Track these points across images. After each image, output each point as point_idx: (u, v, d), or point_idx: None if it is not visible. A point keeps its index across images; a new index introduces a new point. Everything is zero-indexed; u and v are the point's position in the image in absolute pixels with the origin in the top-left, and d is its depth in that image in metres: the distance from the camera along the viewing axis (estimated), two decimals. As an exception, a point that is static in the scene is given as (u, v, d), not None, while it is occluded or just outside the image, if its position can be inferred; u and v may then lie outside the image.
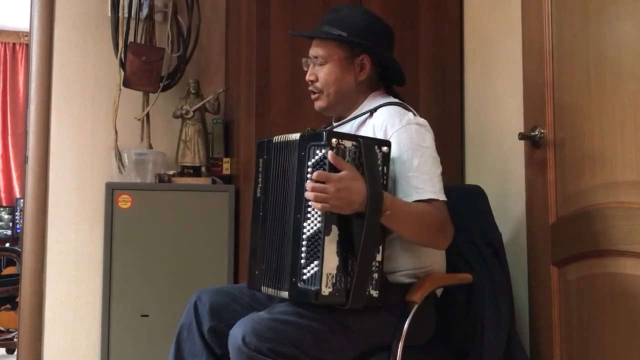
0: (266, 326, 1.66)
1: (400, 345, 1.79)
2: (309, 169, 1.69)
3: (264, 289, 1.85)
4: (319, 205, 1.64)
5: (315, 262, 1.66)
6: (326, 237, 1.66)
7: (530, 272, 2.21)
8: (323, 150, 1.67)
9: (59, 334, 2.97)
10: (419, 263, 1.90)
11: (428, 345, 1.95)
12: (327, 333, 1.70)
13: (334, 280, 1.66)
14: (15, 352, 3.17)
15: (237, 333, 1.65)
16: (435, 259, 1.94)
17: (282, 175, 1.82)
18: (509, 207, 2.37)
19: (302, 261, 1.68)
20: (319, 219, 1.67)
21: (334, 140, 1.67)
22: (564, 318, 2.05)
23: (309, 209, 1.69)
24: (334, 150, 1.67)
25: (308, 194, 1.66)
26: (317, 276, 1.65)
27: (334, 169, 1.66)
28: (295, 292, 1.70)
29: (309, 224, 1.69)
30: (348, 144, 1.69)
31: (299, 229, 1.70)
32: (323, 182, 1.64)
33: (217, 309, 1.91)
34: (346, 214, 1.68)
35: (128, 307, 2.77)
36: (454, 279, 2.00)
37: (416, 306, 1.82)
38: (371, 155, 1.71)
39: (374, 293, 1.70)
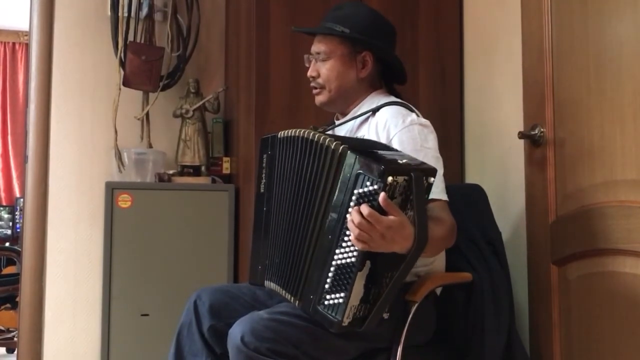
0: (265, 326, 1.65)
1: (401, 344, 1.79)
2: (354, 197, 1.57)
3: (267, 283, 1.85)
4: (359, 245, 1.54)
5: (342, 294, 1.59)
6: (358, 273, 1.57)
7: (530, 271, 2.21)
8: (375, 186, 1.53)
9: (59, 333, 2.97)
10: (420, 261, 1.89)
11: (428, 344, 1.95)
12: (327, 333, 1.70)
13: (355, 311, 1.61)
14: (15, 352, 3.17)
15: (236, 332, 1.65)
16: (435, 257, 1.94)
17: (290, 172, 1.80)
18: (508, 206, 2.37)
19: (327, 286, 1.62)
20: (354, 253, 1.58)
21: (390, 179, 1.51)
22: (564, 317, 2.05)
23: (346, 239, 1.59)
24: (387, 189, 1.52)
25: (351, 226, 1.54)
26: (341, 308, 1.59)
27: (382, 210, 1.52)
28: (311, 310, 1.65)
29: (342, 253, 1.60)
30: (400, 179, 1.53)
31: (328, 251, 1.62)
32: (370, 222, 1.52)
33: (217, 308, 1.91)
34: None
35: (128, 306, 2.77)
36: (454, 278, 2.00)
37: (416, 305, 1.82)
38: (421, 192, 1.57)
39: (386, 316, 1.68)
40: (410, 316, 1.81)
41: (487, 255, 2.08)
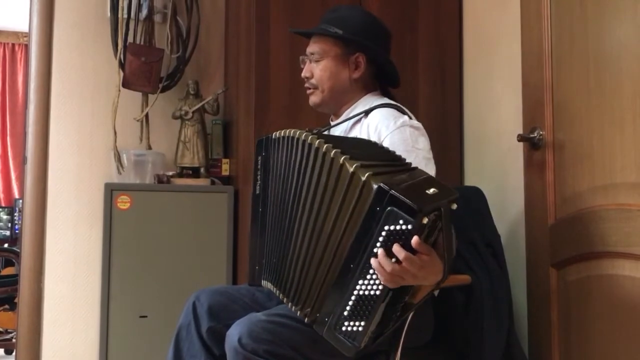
0: (263, 328, 1.65)
1: (399, 347, 1.79)
2: (383, 233, 1.48)
3: (264, 282, 1.84)
4: (391, 285, 1.50)
5: (363, 323, 1.55)
6: (382, 304, 1.54)
7: (529, 274, 2.21)
8: (409, 226, 1.45)
9: (58, 334, 2.97)
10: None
11: (427, 346, 1.95)
12: (325, 335, 1.70)
13: (371, 335, 1.58)
14: (14, 353, 3.17)
15: (233, 334, 1.65)
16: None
17: (283, 172, 1.79)
18: (507, 209, 2.37)
19: (345, 313, 1.57)
20: (380, 287, 1.52)
21: (425, 220, 1.44)
22: (563, 319, 2.05)
23: (371, 271, 1.52)
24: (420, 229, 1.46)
25: (377, 266, 1.48)
26: (360, 335, 1.56)
27: (412, 248, 1.46)
28: (325, 332, 1.61)
29: (365, 285, 1.54)
30: (431, 215, 1.47)
31: (350, 278, 1.55)
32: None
33: (215, 309, 1.91)
34: None
35: (127, 307, 2.77)
36: (453, 280, 1.99)
37: (414, 307, 1.81)
38: (449, 224, 1.52)
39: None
40: (409, 318, 1.80)
41: (486, 257, 2.07)
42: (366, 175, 1.54)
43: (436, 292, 1.99)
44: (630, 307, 1.79)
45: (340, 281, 1.58)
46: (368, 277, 1.53)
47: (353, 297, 1.55)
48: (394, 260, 1.46)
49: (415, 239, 1.43)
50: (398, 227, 1.46)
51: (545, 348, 2.10)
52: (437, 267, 1.51)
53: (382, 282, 1.50)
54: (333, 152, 1.61)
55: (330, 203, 1.62)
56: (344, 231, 1.58)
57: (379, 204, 1.49)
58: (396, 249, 1.45)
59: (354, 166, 1.56)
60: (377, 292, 1.53)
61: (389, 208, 1.47)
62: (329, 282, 1.61)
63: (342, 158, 1.59)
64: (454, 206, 1.54)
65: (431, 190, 1.52)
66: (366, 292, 1.54)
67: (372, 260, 1.48)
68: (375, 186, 1.50)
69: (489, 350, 1.96)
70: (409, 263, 1.45)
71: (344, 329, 1.57)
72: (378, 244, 1.48)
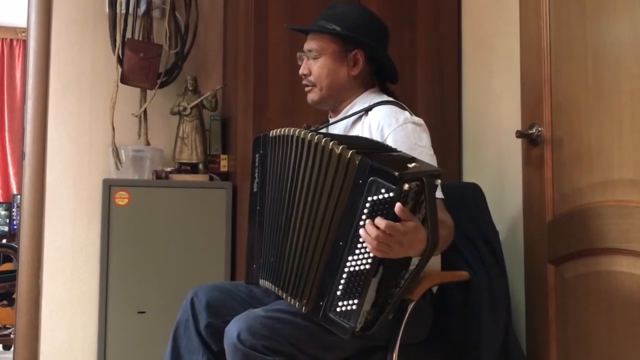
0: (262, 323, 1.65)
1: (397, 343, 1.79)
2: (367, 204, 1.55)
3: (262, 281, 1.85)
4: (377, 253, 1.55)
5: (356, 301, 1.58)
6: (372, 279, 1.58)
7: (527, 270, 2.21)
8: (391, 194, 1.51)
9: (56, 330, 2.97)
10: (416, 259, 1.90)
11: (425, 342, 1.96)
12: (323, 331, 1.69)
13: (366, 316, 1.61)
14: (12, 348, 3.17)
15: (232, 330, 1.65)
16: (433, 256, 1.94)
17: (280, 170, 1.81)
18: (506, 205, 2.37)
19: (339, 293, 1.60)
20: (369, 260, 1.57)
21: (406, 186, 1.50)
22: (561, 316, 2.05)
23: (359, 246, 1.58)
24: (402, 196, 1.52)
25: (366, 236, 1.53)
26: (355, 314, 1.58)
27: (397, 217, 1.52)
28: (321, 317, 1.64)
29: (354, 260, 1.59)
30: (413, 184, 1.54)
31: (340, 257, 1.61)
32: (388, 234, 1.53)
33: (213, 305, 1.91)
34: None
35: (125, 303, 2.77)
36: (451, 277, 2.00)
37: (412, 304, 1.82)
38: (432, 196, 1.58)
39: (390, 316, 1.68)
40: (407, 315, 1.81)
41: (484, 253, 2.08)
42: (350, 152, 1.61)
43: (434, 289, 2.00)
44: (628, 303, 1.79)
45: (331, 261, 1.62)
46: (357, 252, 1.58)
47: (344, 275, 1.59)
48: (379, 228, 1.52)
49: (398, 205, 1.50)
50: (381, 197, 1.53)
51: (543, 344, 2.10)
52: (420, 233, 1.57)
53: (370, 253, 1.55)
54: (323, 140, 1.67)
55: (322, 189, 1.67)
56: (334, 212, 1.63)
57: (362, 176, 1.56)
58: (379, 220, 1.51)
59: (340, 147, 1.63)
60: (367, 266, 1.57)
61: (371, 178, 1.54)
62: (322, 265, 1.65)
63: (331, 143, 1.65)
64: (438, 181, 1.61)
65: (412, 164, 1.60)
66: (357, 268, 1.58)
67: (360, 231, 1.54)
68: (357, 160, 1.59)
69: (486, 346, 1.96)
70: (392, 229, 1.51)
71: (338, 309, 1.60)
72: (364, 217, 1.55)
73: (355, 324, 1.58)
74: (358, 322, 1.59)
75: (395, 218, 1.52)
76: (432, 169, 1.65)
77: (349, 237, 1.59)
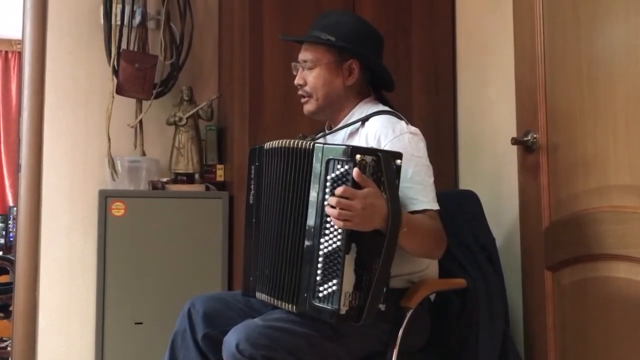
0: (260, 333, 1.65)
1: (395, 351, 1.79)
2: (328, 184, 1.64)
3: (258, 294, 1.85)
4: (341, 223, 1.59)
5: (334, 281, 1.61)
6: (346, 256, 1.61)
7: (524, 277, 2.21)
8: (346, 166, 1.61)
9: (53, 342, 2.96)
10: (413, 267, 1.90)
11: (423, 350, 1.95)
12: (322, 340, 1.70)
13: (350, 299, 1.62)
14: (9, 361, 3.16)
15: (231, 340, 1.65)
16: (429, 263, 1.94)
17: (275, 182, 1.82)
18: (502, 212, 2.37)
19: (318, 278, 1.64)
20: (339, 237, 1.62)
21: (358, 156, 1.60)
22: (558, 322, 2.05)
23: (327, 225, 1.64)
24: (358, 166, 1.60)
25: (330, 210, 1.60)
26: (336, 295, 1.61)
27: (356, 185, 1.60)
28: (308, 308, 1.66)
29: (326, 241, 1.64)
30: (368, 158, 1.63)
31: (313, 243, 1.66)
32: (347, 198, 1.59)
33: (211, 315, 1.91)
34: (366, 231, 1.64)
35: (122, 314, 2.76)
36: (448, 284, 2.00)
37: (410, 312, 1.82)
38: (390, 171, 1.66)
39: (382, 307, 1.68)
40: (405, 322, 1.81)
41: (481, 260, 2.08)
42: (312, 144, 1.71)
43: (432, 297, 2.00)
44: (625, 308, 1.79)
45: (308, 252, 1.67)
46: (327, 232, 1.64)
47: (320, 259, 1.64)
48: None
49: (355, 170, 1.59)
50: (339, 172, 1.63)
51: (541, 351, 2.10)
52: (380, 201, 1.62)
53: (339, 230, 1.61)
54: (310, 143, 1.73)
55: (303, 188, 1.72)
56: (307, 203, 1.69)
57: (319, 160, 1.66)
58: (337, 188, 1.60)
59: (313, 144, 1.71)
60: (338, 243, 1.62)
61: (327, 158, 1.64)
62: (304, 261, 1.69)
63: (312, 143, 1.72)
64: (399, 162, 1.68)
65: (370, 146, 1.73)
66: (329, 248, 1.64)
67: (325, 208, 1.62)
68: (313, 146, 1.69)
69: (484, 353, 1.96)
70: (351, 193, 1.59)
71: (320, 294, 1.64)
72: (327, 196, 1.63)
73: (338, 305, 1.61)
74: (342, 304, 1.61)
75: (356, 186, 1.60)
76: (390, 151, 1.74)
77: (317, 220, 1.66)
